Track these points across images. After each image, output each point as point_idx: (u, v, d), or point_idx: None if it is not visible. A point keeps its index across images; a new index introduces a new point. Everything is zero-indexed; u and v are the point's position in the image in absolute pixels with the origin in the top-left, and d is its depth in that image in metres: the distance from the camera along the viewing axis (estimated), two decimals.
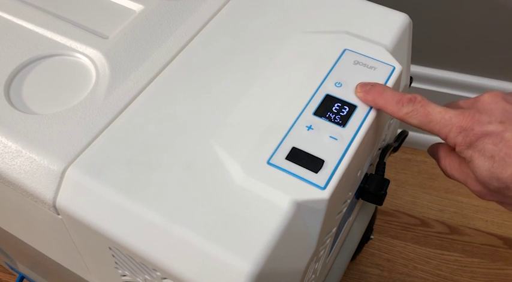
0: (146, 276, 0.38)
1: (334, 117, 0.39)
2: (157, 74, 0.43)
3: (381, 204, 0.47)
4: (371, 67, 0.42)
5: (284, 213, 0.34)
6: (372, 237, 0.80)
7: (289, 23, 0.46)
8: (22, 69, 0.43)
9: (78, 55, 0.44)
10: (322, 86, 0.41)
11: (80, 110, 0.40)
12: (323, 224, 0.36)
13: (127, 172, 0.37)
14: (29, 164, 0.38)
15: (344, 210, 0.45)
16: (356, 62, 0.42)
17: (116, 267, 0.41)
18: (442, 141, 0.40)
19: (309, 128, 0.38)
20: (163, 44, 0.45)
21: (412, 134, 0.96)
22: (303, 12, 0.47)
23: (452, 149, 0.39)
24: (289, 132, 0.38)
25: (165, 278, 0.36)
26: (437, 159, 0.42)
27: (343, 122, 0.39)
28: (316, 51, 0.43)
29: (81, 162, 0.37)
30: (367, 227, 0.72)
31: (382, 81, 0.41)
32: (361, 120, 0.39)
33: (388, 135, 0.54)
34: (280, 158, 0.37)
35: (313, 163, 0.36)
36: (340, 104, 0.40)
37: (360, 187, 0.47)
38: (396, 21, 0.46)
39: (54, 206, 0.38)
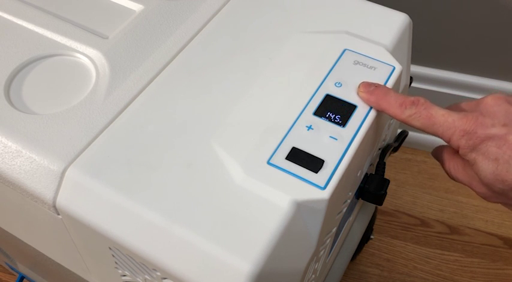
0: (146, 276, 0.38)
1: (334, 117, 0.39)
2: (157, 74, 0.43)
3: (381, 204, 0.47)
4: (371, 67, 0.42)
5: (284, 213, 0.34)
6: (372, 237, 0.80)
7: (289, 23, 0.46)
8: (22, 69, 0.43)
9: (78, 55, 0.44)
10: (322, 86, 0.41)
11: (80, 110, 0.40)
12: (323, 224, 0.36)
13: (127, 172, 0.37)
14: (29, 164, 0.38)
15: (344, 210, 0.45)
16: (356, 62, 0.42)
17: (116, 267, 0.41)
18: (446, 144, 0.40)
19: (309, 128, 0.38)
20: (163, 44, 0.45)
21: (412, 134, 0.96)
22: (303, 12, 0.47)
23: (455, 151, 0.39)
24: (289, 132, 0.38)
25: (165, 278, 0.36)
26: (442, 162, 0.42)
27: (343, 122, 0.39)
28: (316, 51, 0.43)
29: (81, 162, 0.37)
30: (367, 227, 0.72)
31: (382, 81, 0.41)
32: (361, 120, 0.39)
33: (388, 135, 0.54)
34: (280, 158, 0.37)
35: (313, 163, 0.36)
36: (340, 104, 0.40)
37: (360, 187, 0.47)
38: (396, 21, 0.46)
39: (54, 206, 0.38)
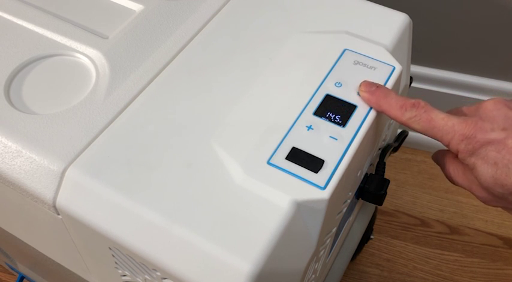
0: (146, 276, 0.38)
1: (334, 117, 0.39)
2: (157, 74, 0.43)
3: (381, 204, 0.47)
4: (371, 67, 0.42)
5: (284, 213, 0.34)
6: (372, 237, 0.80)
7: (289, 23, 0.46)
8: (22, 69, 0.43)
9: (78, 55, 0.44)
10: (322, 86, 0.41)
11: (80, 110, 0.40)
12: (323, 224, 0.36)
13: (127, 172, 0.37)
14: (29, 164, 0.38)
15: (344, 210, 0.45)
16: (356, 62, 0.42)
17: (116, 267, 0.41)
18: (445, 148, 0.40)
19: (309, 128, 0.38)
20: (163, 44, 0.45)
21: (412, 134, 0.96)
22: (303, 12, 0.47)
23: (455, 156, 0.39)
24: (289, 132, 0.38)
25: (165, 278, 0.36)
26: (442, 166, 0.42)
27: (343, 122, 0.39)
28: (316, 51, 0.43)
29: (81, 162, 0.37)
30: (367, 227, 0.72)
31: (382, 81, 0.41)
32: (361, 120, 0.39)
33: (388, 135, 0.54)
34: (280, 158, 0.37)
35: (313, 163, 0.36)
36: (340, 104, 0.40)
37: (360, 187, 0.47)
38: (396, 21, 0.46)
39: (54, 206, 0.38)
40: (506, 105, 0.37)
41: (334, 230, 0.44)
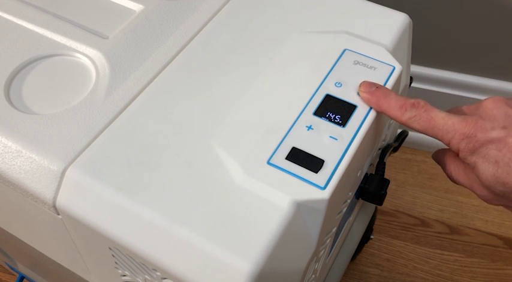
0: (146, 276, 0.38)
1: (334, 117, 0.39)
2: (157, 74, 0.43)
3: (381, 204, 0.47)
4: (371, 67, 0.42)
5: (284, 213, 0.34)
6: (372, 237, 0.80)
7: (289, 23, 0.46)
8: (22, 69, 0.43)
9: (78, 55, 0.44)
10: (322, 85, 0.41)
11: (80, 110, 0.40)
12: (323, 224, 0.36)
13: (127, 172, 0.37)
14: (29, 164, 0.38)
15: (344, 210, 0.45)
16: (356, 62, 0.42)
17: (116, 267, 0.41)
18: (445, 147, 0.40)
19: (309, 128, 0.38)
20: (163, 44, 0.45)
21: (412, 134, 0.96)
22: (303, 12, 0.47)
23: (456, 154, 0.39)
24: (289, 132, 0.38)
25: (165, 278, 0.36)
26: (442, 165, 0.42)
27: (343, 122, 0.39)
28: (316, 51, 0.43)
29: (81, 162, 0.37)
30: (367, 227, 0.72)
31: (382, 81, 0.41)
32: (361, 120, 0.39)
33: (388, 135, 0.54)
34: (280, 158, 0.37)
35: (313, 163, 0.36)
36: (340, 104, 0.40)
37: (360, 187, 0.47)
38: (396, 21, 0.46)
39: (54, 206, 0.38)
40: (506, 103, 0.37)
41: (334, 230, 0.44)
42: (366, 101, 0.39)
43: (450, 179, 0.41)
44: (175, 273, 0.34)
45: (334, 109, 0.39)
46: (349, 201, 0.45)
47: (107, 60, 0.43)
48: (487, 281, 0.87)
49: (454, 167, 0.40)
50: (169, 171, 0.37)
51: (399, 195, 0.96)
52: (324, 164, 0.36)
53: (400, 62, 0.43)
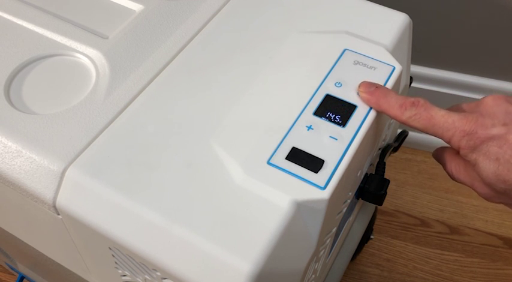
0: (146, 276, 0.38)
1: (334, 117, 0.39)
2: (157, 74, 0.43)
3: (381, 204, 0.47)
4: (371, 67, 0.42)
5: (284, 213, 0.34)
6: (372, 237, 0.80)
7: (289, 22, 0.46)
8: (22, 69, 0.43)
9: (78, 55, 0.44)
10: (322, 85, 0.41)
11: (80, 110, 0.40)
12: (323, 224, 0.36)
13: (127, 172, 0.37)
14: (29, 164, 0.38)
15: (344, 210, 0.45)
16: (356, 62, 0.42)
17: (116, 267, 0.41)
18: (446, 145, 0.40)
19: (309, 128, 0.38)
20: (163, 44, 0.45)
21: (412, 134, 0.96)
22: (303, 12, 0.47)
23: (457, 152, 0.39)
24: (289, 132, 0.38)
25: (165, 278, 0.36)
26: (443, 164, 0.42)
27: (343, 122, 0.39)
28: (316, 51, 0.43)
29: (81, 162, 0.37)
30: (367, 227, 0.72)
31: (382, 81, 0.41)
32: (361, 120, 0.39)
33: (388, 135, 0.54)
34: (280, 158, 0.37)
35: (313, 163, 0.36)
36: (340, 104, 0.40)
37: (360, 187, 0.47)
38: (396, 21, 0.46)
39: (54, 206, 0.38)
40: (507, 100, 0.37)
41: (334, 230, 0.44)
42: (366, 101, 0.39)
43: (451, 177, 0.41)
44: (175, 273, 0.34)
45: (334, 109, 0.39)
46: (349, 201, 0.45)
47: (107, 60, 0.43)
48: (487, 281, 0.87)
49: (454, 165, 0.40)
50: (169, 171, 0.37)
51: (399, 195, 0.96)
52: (324, 164, 0.36)
53: (400, 62, 0.43)
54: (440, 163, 0.42)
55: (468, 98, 0.91)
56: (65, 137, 0.39)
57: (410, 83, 0.52)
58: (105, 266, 0.42)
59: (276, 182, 0.35)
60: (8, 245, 0.61)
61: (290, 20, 0.46)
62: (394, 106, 0.38)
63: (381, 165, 0.48)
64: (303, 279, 0.38)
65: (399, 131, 0.55)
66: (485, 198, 0.39)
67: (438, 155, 0.43)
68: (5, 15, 0.47)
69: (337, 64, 0.42)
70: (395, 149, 0.53)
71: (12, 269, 0.80)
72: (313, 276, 0.44)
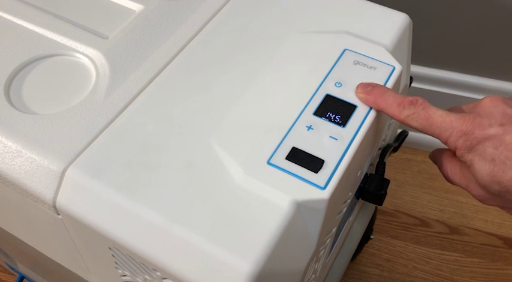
0: (146, 276, 0.38)
1: (334, 117, 0.39)
2: (157, 74, 0.43)
3: (381, 204, 0.47)
4: (371, 67, 0.42)
5: (284, 213, 0.34)
6: (372, 237, 0.80)
7: (289, 23, 0.46)
8: (22, 69, 0.43)
9: (78, 55, 0.44)
10: (322, 85, 0.41)
11: (80, 110, 0.40)
12: (323, 224, 0.36)
13: (127, 172, 0.37)
14: (29, 164, 0.38)
15: (344, 210, 0.45)
16: (356, 62, 0.42)
17: (116, 267, 0.41)
18: (443, 147, 0.40)
19: (309, 128, 0.38)
20: (163, 44, 0.45)
21: (412, 134, 0.96)
22: (303, 12, 0.47)
23: (453, 154, 0.39)
24: (289, 132, 0.38)
25: (165, 278, 0.36)
26: (439, 165, 0.42)
27: (343, 122, 0.39)
28: (316, 51, 0.43)
29: (81, 162, 0.37)
30: (367, 227, 0.72)
31: (382, 81, 0.41)
32: (361, 120, 0.39)
33: (388, 135, 0.54)
34: (280, 158, 0.37)
35: (313, 163, 0.36)
36: (340, 104, 0.40)
37: (360, 187, 0.47)
38: (396, 21, 0.46)
39: (54, 206, 0.38)
40: (504, 101, 0.37)
41: (334, 230, 0.44)
42: (364, 101, 0.39)
43: (446, 178, 0.41)
44: (175, 273, 0.34)
45: (334, 109, 0.39)
46: (349, 201, 0.45)
47: (107, 60, 0.43)
48: (487, 281, 0.87)
49: (450, 166, 0.40)
50: (169, 171, 0.37)
51: (399, 195, 0.96)
52: (324, 164, 0.36)
53: (400, 62, 0.43)
54: (436, 164, 0.42)
55: (468, 97, 0.91)
56: (65, 137, 0.39)
57: (410, 83, 0.52)
58: (105, 266, 0.42)
59: (276, 182, 0.35)
60: (8, 245, 0.61)
61: (290, 20, 0.46)
62: (392, 105, 0.38)
63: (380, 165, 0.48)
64: (303, 279, 0.38)
65: (399, 131, 0.55)
66: (480, 201, 0.39)
67: (435, 156, 0.43)
68: (5, 15, 0.47)
69: (337, 64, 0.42)
70: (395, 149, 0.53)
71: (12, 269, 0.80)
72: (313, 276, 0.44)
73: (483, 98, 0.38)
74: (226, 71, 0.43)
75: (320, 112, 0.39)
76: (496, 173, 0.35)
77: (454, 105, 0.42)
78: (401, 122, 0.38)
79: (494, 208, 0.94)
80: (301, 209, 0.35)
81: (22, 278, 0.77)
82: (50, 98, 0.42)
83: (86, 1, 0.49)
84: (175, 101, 0.41)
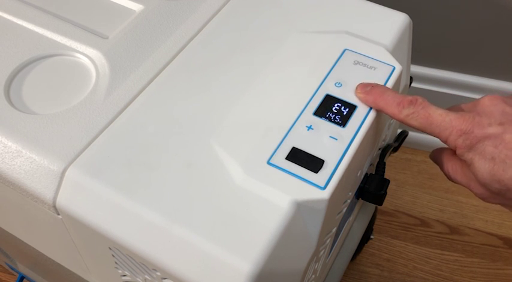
0: (146, 276, 0.38)
1: (334, 117, 0.39)
2: (157, 74, 0.43)
3: (381, 204, 0.47)
4: (371, 67, 0.42)
5: (284, 213, 0.34)
6: (372, 237, 0.80)
7: (289, 23, 0.46)
8: (22, 69, 0.43)
9: (78, 55, 0.44)
10: (322, 86, 0.41)
11: (80, 110, 0.40)
12: (323, 224, 0.36)
13: (127, 172, 0.37)
14: (29, 164, 0.38)
15: (344, 210, 0.45)
16: (356, 62, 0.42)
17: (116, 267, 0.41)
18: (443, 146, 0.40)
19: (309, 128, 0.38)
20: (163, 44, 0.45)
21: (412, 134, 0.96)
22: (303, 12, 0.47)
23: (453, 153, 0.39)
24: (289, 132, 0.38)
25: (165, 278, 0.36)
26: (440, 164, 0.42)
27: (343, 122, 0.39)
28: (316, 51, 0.43)
29: (81, 162, 0.37)
30: (367, 227, 0.72)
31: (382, 81, 0.41)
32: (361, 120, 0.39)
33: (388, 135, 0.54)
34: (280, 158, 0.37)
35: (313, 163, 0.36)
36: (340, 104, 0.40)
37: (360, 187, 0.47)
38: (396, 21, 0.46)
39: (54, 206, 0.38)
40: (503, 100, 0.37)
41: (334, 230, 0.44)
42: (364, 101, 0.40)
43: (448, 177, 0.41)
44: (175, 273, 0.34)
45: (334, 109, 0.39)
46: (349, 201, 0.45)
47: (107, 60, 0.43)
48: (487, 281, 0.87)
49: (451, 165, 0.40)
50: (169, 171, 0.37)
51: (399, 195, 0.96)
52: (324, 164, 0.36)
53: (400, 62, 0.43)
54: (437, 164, 0.43)
55: (468, 98, 0.91)
56: (65, 137, 0.39)
57: (410, 83, 0.52)
58: (105, 266, 0.42)
59: (276, 182, 0.35)
60: (8, 245, 0.61)
61: (290, 20, 0.46)
62: (391, 104, 0.38)
63: (380, 165, 0.48)
64: (303, 279, 0.38)
65: (399, 131, 0.55)
66: (482, 199, 0.39)
67: (435, 156, 0.43)
68: (5, 15, 0.47)
69: (337, 64, 0.42)
70: (395, 149, 0.53)
71: (12, 269, 0.80)
72: (313, 276, 0.44)
73: (482, 97, 0.38)
74: (226, 71, 0.43)
75: (320, 112, 0.39)
76: (496, 172, 0.35)
77: (453, 105, 0.42)
78: (401, 122, 0.38)
79: (494, 208, 0.94)
80: (301, 209, 0.35)
81: (22, 278, 0.77)
82: (50, 98, 0.42)
83: (86, 1, 0.49)
84: (175, 101, 0.41)
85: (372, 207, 0.71)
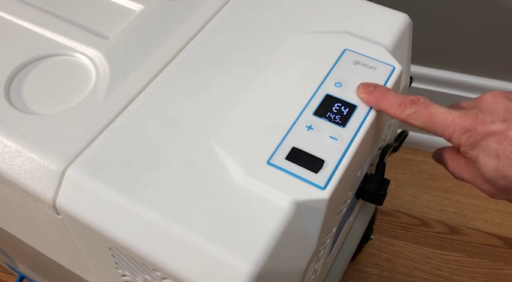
0: (146, 276, 0.38)
1: (334, 117, 0.39)
2: (157, 74, 0.43)
3: (381, 204, 0.47)
4: (371, 67, 0.42)
5: (284, 213, 0.34)
6: (372, 237, 0.80)
7: (289, 23, 0.46)
8: (22, 69, 0.43)
9: (78, 55, 0.44)
10: (322, 86, 0.41)
11: (80, 110, 0.40)
12: (323, 224, 0.36)
13: (127, 172, 0.37)
14: (29, 164, 0.38)
15: (344, 210, 0.45)
16: (356, 62, 0.42)
17: (116, 267, 0.41)
18: (445, 146, 0.40)
19: (309, 128, 0.38)
20: (163, 44, 0.45)
21: (412, 134, 0.96)
22: (303, 12, 0.47)
23: (457, 151, 0.39)
24: (289, 132, 0.38)
25: (165, 278, 0.36)
26: (444, 164, 0.42)
27: (343, 122, 0.39)
28: (316, 51, 0.43)
29: (81, 162, 0.37)
30: (367, 227, 0.72)
31: (382, 81, 0.41)
32: (361, 120, 0.39)
33: (388, 135, 0.54)
34: (280, 158, 0.37)
35: (313, 163, 0.36)
36: (340, 104, 0.40)
37: (360, 187, 0.47)
38: (396, 21, 0.46)
39: (54, 206, 0.38)
40: (506, 97, 0.37)
41: (334, 230, 0.44)
42: (365, 101, 0.39)
43: (454, 175, 0.41)
44: (175, 273, 0.34)
45: (334, 109, 0.39)
46: (349, 201, 0.45)
47: (107, 60, 0.43)
48: (487, 281, 0.87)
49: (456, 164, 0.40)
50: (169, 171, 0.37)
51: (399, 195, 0.96)
52: (324, 164, 0.36)
53: (400, 62, 0.43)
54: (441, 164, 0.42)
55: (468, 98, 0.91)
56: (65, 137, 0.39)
57: (410, 83, 0.52)
58: (105, 266, 0.42)
59: (276, 182, 0.35)
60: (8, 245, 0.61)
61: (290, 20, 0.46)
62: (393, 105, 0.38)
63: (380, 165, 0.48)
64: (303, 279, 0.38)
65: (399, 131, 0.55)
66: (488, 195, 0.39)
67: (438, 156, 0.43)
68: (5, 15, 0.47)
69: (337, 64, 0.42)
70: (395, 149, 0.53)
71: (12, 269, 0.80)
72: (313, 276, 0.44)
73: (485, 94, 0.38)
74: (226, 71, 0.43)
75: (320, 112, 0.39)
76: (501, 168, 0.35)
77: (453, 103, 0.42)
78: (404, 122, 0.38)
79: (494, 208, 0.94)
80: (301, 209, 0.35)
81: (22, 278, 0.77)
82: (50, 98, 0.42)
83: (86, 1, 0.49)
84: (175, 101, 0.41)
85: (372, 207, 0.71)
